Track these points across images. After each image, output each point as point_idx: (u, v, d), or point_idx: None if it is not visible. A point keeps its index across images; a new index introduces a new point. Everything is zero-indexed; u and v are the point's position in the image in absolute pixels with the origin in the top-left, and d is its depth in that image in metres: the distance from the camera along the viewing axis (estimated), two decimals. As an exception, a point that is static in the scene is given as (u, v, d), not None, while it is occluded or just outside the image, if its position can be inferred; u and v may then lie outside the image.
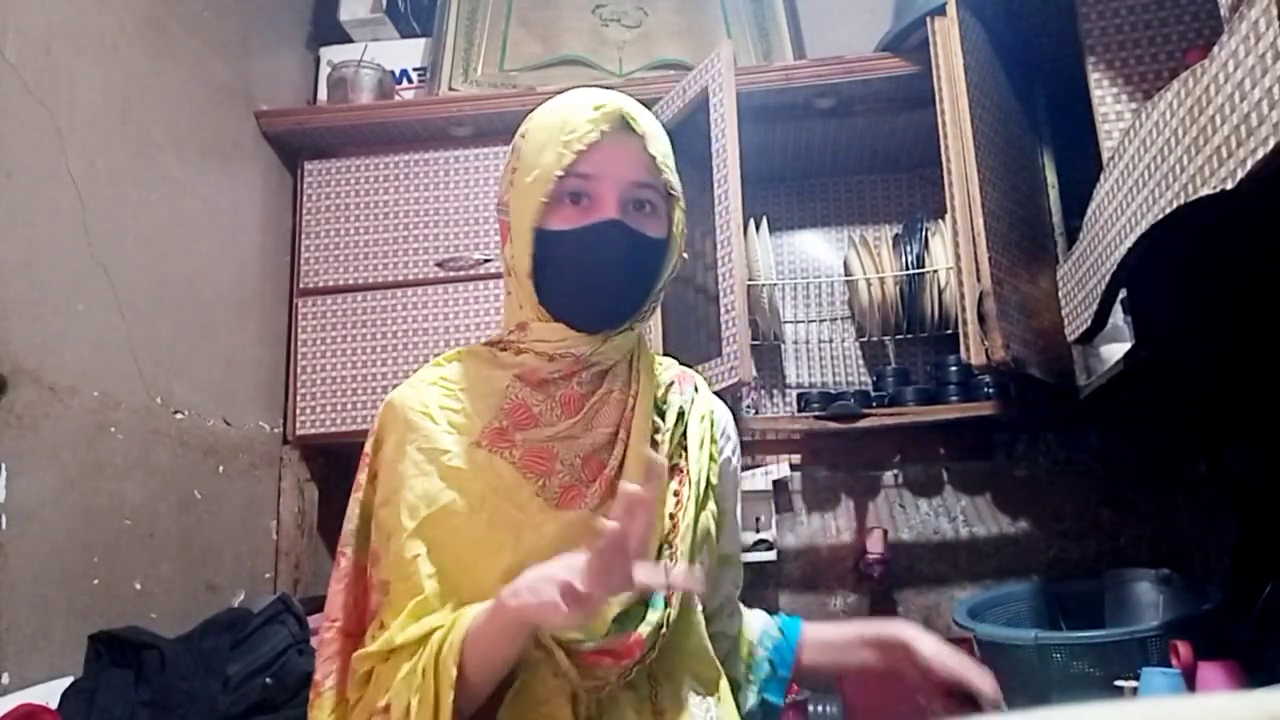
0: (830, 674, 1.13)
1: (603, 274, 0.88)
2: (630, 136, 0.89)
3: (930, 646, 1.00)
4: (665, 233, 0.92)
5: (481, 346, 0.98)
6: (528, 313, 0.92)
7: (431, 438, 0.90)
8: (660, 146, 0.91)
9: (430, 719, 0.78)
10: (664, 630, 0.85)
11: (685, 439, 0.96)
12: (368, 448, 0.94)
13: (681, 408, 0.97)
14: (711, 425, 1.00)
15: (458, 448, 0.89)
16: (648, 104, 1.94)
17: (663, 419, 0.95)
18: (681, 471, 0.94)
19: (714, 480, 0.98)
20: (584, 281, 0.89)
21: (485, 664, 0.81)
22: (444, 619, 0.83)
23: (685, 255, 0.97)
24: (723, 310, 1.65)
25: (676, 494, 0.92)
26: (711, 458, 0.98)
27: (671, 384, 1.00)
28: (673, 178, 0.91)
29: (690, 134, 1.83)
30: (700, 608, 0.95)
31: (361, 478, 0.94)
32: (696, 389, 1.02)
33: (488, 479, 0.88)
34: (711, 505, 0.97)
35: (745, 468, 2.04)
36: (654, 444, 0.93)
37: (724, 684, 0.95)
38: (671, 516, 0.91)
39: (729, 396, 1.64)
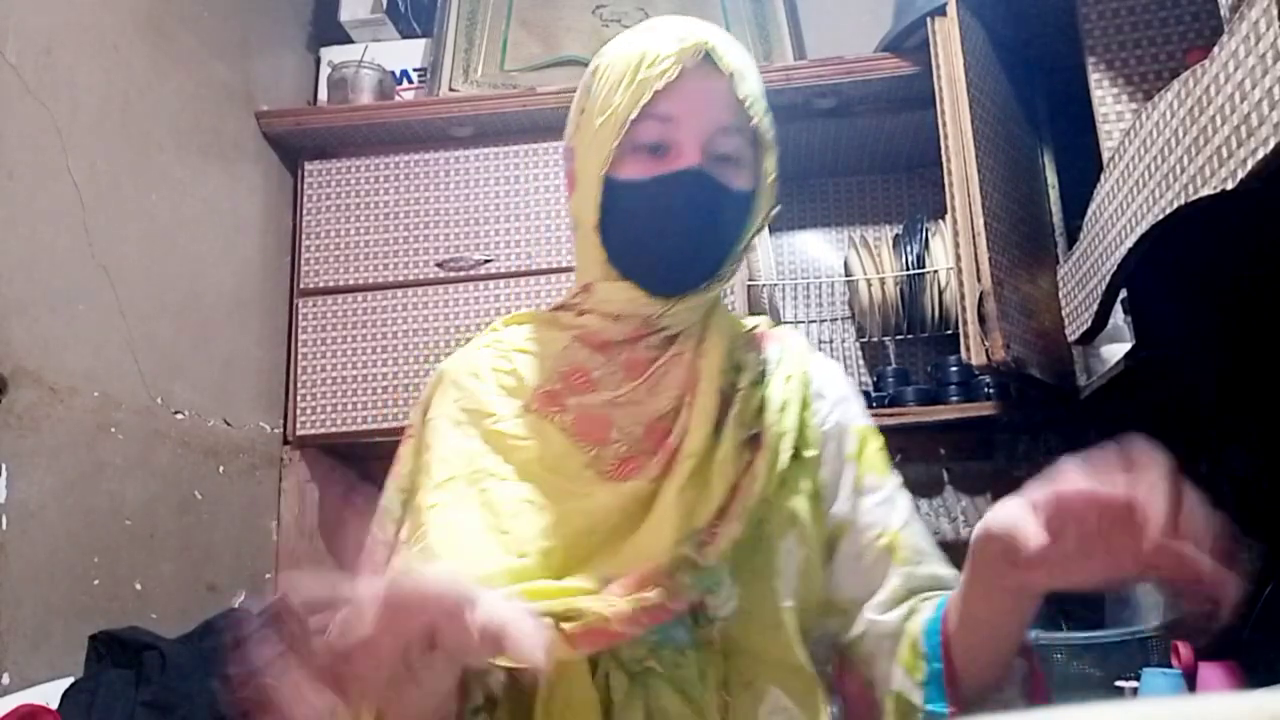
0: (990, 657, 0.75)
1: (679, 231, 0.78)
2: (715, 74, 0.77)
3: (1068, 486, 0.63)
4: (752, 184, 0.81)
5: (546, 311, 0.89)
6: (593, 271, 0.83)
7: (477, 397, 0.81)
8: (750, 86, 0.79)
9: None
10: (707, 606, 0.73)
11: (765, 402, 0.81)
12: (414, 418, 0.85)
13: (762, 368, 0.84)
14: (805, 386, 0.85)
15: (505, 410, 0.80)
16: (648, 104, 1.95)
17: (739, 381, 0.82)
18: (759, 442, 0.79)
19: (807, 451, 0.82)
20: (658, 238, 0.79)
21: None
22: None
23: (780, 206, 0.85)
24: (723, 310, 1.65)
25: (750, 464, 0.77)
26: (804, 423, 0.83)
27: (750, 342, 0.87)
28: (764, 120, 0.80)
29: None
30: (788, 603, 0.78)
31: (404, 450, 0.84)
32: (785, 346, 0.88)
33: (534, 445, 0.78)
34: (806, 483, 0.81)
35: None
36: (725, 408, 0.80)
37: (820, 701, 0.79)
38: (734, 489, 0.75)
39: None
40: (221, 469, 1.77)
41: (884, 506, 0.84)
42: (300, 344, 1.97)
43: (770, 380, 0.83)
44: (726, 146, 0.79)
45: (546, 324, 0.87)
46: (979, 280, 1.53)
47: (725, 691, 0.75)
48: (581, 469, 0.78)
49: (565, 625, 0.67)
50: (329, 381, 1.95)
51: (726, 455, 0.77)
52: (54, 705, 1.22)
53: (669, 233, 0.78)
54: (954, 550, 2.31)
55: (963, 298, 1.55)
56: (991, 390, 1.80)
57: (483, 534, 0.74)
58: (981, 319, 1.51)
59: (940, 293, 1.92)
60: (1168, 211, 1.04)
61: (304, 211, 2.03)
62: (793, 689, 0.78)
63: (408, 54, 2.20)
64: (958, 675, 0.74)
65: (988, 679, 0.75)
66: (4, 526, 1.26)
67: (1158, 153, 1.07)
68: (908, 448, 2.06)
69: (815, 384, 0.87)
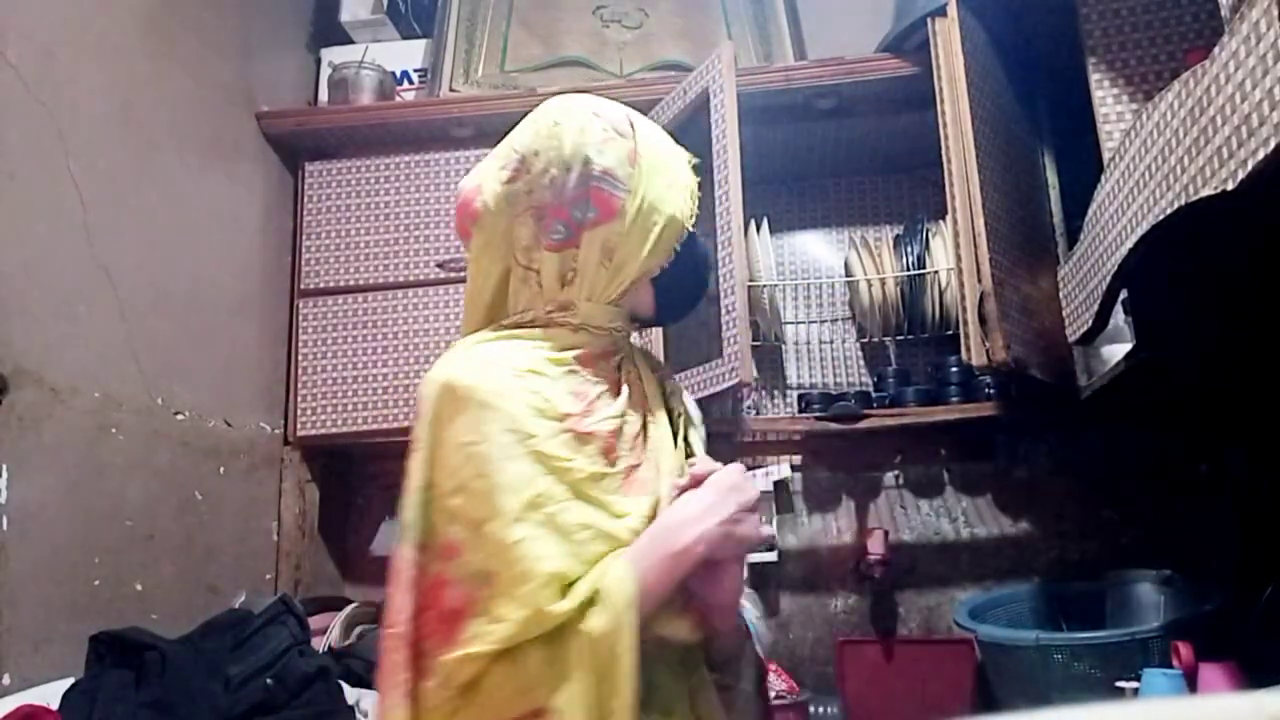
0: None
1: (707, 274, 1.02)
2: None
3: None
4: None
5: (522, 329, 0.92)
6: (583, 292, 0.91)
7: (515, 418, 0.83)
8: None
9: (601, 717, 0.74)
10: None
11: (688, 424, 1.01)
12: (421, 433, 0.85)
13: (680, 394, 1.03)
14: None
15: (543, 431, 0.84)
16: (648, 105, 1.95)
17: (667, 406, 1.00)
18: (694, 457, 0.98)
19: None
20: (701, 280, 1.00)
21: (649, 620, 0.80)
22: (558, 602, 0.77)
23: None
24: (723, 311, 1.65)
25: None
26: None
27: (663, 372, 1.04)
28: None
29: (691, 135, 1.82)
30: None
31: (415, 464, 0.84)
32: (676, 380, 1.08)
33: (579, 465, 0.84)
34: None
35: (747, 469, 2.05)
36: (674, 426, 0.97)
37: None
38: None
39: (730, 397, 1.64)
40: (222, 469, 1.77)
41: None
42: (300, 344, 1.97)
43: (687, 407, 1.02)
44: None
45: (530, 344, 0.90)
46: (979, 281, 1.53)
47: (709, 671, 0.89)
48: (611, 481, 0.87)
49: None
50: (329, 382, 1.95)
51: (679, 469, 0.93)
52: (54, 706, 1.22)
53: (704, 274, 1.01)
54: (955, 550, 2.31)
55: (963, 298, 1.55)
56: (992, 391, 1.80)
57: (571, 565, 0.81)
58: (982, 319, 1.51)
59: (941, 293, 1.92)
60: (1168, 212, 1.04)
61: (304, 212, 2.03)
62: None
63: (408, 54, 2.20)
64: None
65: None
66: (4, 527, 1.26)
67: (1158, 153, 1.07)
68: (908, 448, 2.06)
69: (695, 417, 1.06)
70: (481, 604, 0.78)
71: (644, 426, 0.93)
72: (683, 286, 0.97)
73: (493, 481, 0.80)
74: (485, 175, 0.95)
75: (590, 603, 0.77)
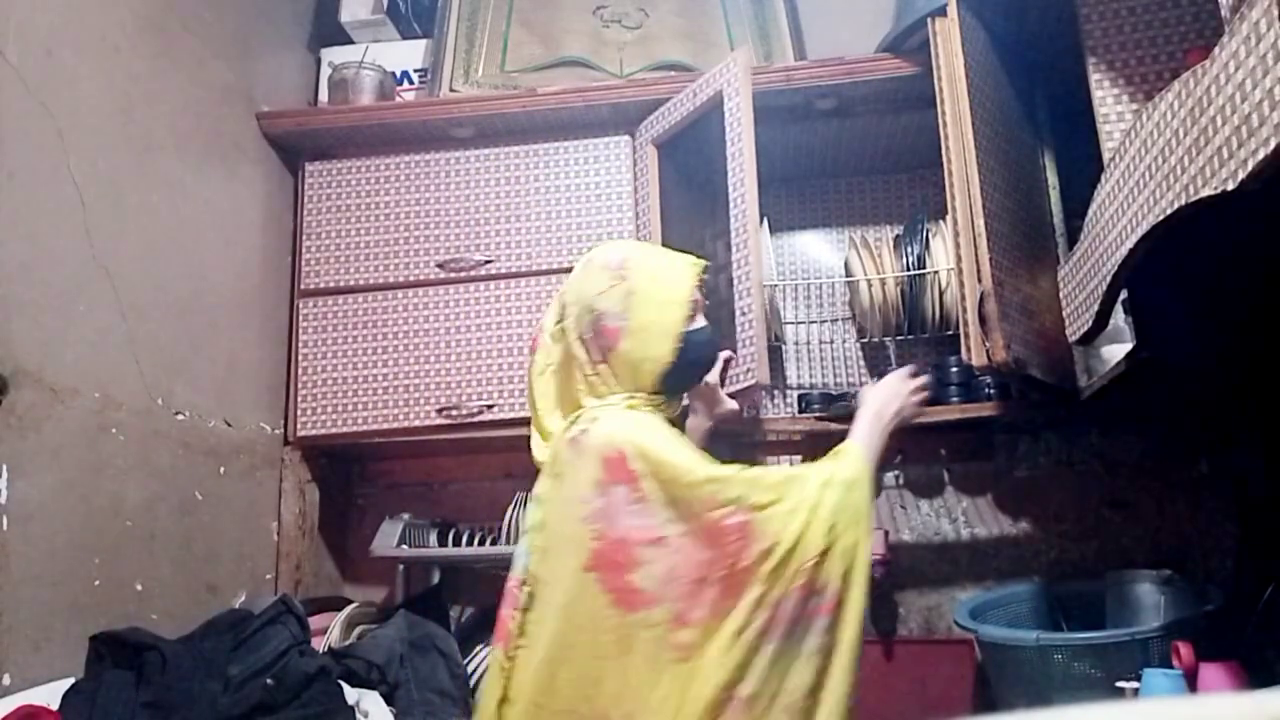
0: None
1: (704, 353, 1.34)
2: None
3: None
4: None
5: (631, 402, 1.28)
6: (628, 386, 1.26)
7: (665, 449, 1.21)
8: None
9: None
10: None
11: None
12: (635, 466, 1.20)
13: None
14: None
15: (682, 452, 1.23)
16: (649, 105, 1.95)
17: None
18: None
19: None
20: (711, 361, 1.38)
21: None
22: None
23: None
24: (738, 313, 1.65)
25: None
26: None
27: None
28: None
29: (700, 137, 1.83)
30: None
31: (642, 484, 1.22)
32: None
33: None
34: None
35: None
36: None
37: None
38: None
39: (744, 398, 1.63)
40: (222, 469, 1.77)
41: None
42: (300, 344, 1.97)
43: None
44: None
45: (642, 411, 1.29)
46: (979, 280, 1.53)
47: None
48: None
49: None
50: (329, 382, 1.95)
51: None
52: (54, 706, 1.22)
53: (713, 355, 1.38)
54: (955, 550, 2.30)
55: (963, 298, 1.55)
56: (992, 391, 1.80)
57: None
58: (982, 319, 1.51)
59: (941, 293, 1.92)
60: (1168, 212, 1.04)
61: (304, 212, 2.03)
62: None
63: (408, 55, 2.20)
64: None
65: None
66: (4, 527, 1.26)
67: (1158, 153, 1.07)
68: (908, 448, 2.06)
69: None
70: (753, 508, 1.16)
71: None
72: (684, 369, 1.29)
73: (689, 467, 1.19)
74: (547, 317, 1.33)
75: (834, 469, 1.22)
